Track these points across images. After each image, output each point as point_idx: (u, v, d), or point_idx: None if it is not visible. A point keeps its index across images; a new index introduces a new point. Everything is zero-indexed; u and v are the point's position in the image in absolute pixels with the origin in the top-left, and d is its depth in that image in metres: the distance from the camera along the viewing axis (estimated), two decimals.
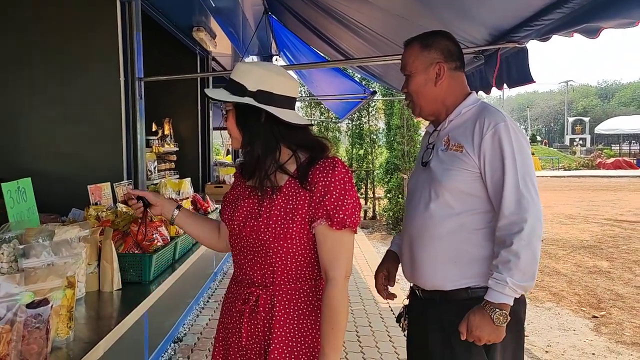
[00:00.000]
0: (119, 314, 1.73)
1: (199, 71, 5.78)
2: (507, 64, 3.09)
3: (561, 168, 29.18)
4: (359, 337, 4.24)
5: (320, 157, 1.51)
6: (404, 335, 2.04)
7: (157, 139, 5.30)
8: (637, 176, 24.01)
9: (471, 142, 1.76)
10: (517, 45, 2.92)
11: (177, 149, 5.67)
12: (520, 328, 1.81)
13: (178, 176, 5.52)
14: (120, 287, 1.95)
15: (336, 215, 1.44)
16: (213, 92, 1.58)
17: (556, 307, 5.30)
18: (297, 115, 1.57)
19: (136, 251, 2.09)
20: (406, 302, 2.05)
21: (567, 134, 44.72)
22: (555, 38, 2.57)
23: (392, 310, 4.89)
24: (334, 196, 1.45)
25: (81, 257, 1.67)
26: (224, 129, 9.91)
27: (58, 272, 1.25)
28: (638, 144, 35.27)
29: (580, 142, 40.92)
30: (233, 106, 1.54)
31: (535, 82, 3.04)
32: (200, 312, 4.88)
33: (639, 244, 8.32)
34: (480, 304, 1.72)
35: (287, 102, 1.54)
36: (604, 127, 35.22)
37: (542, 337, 4.44)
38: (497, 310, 1.63)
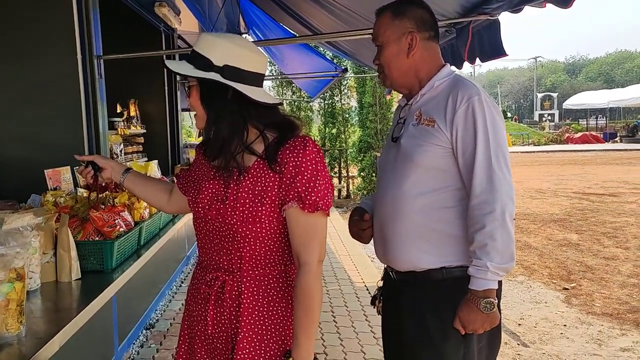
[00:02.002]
0: (78, 304, 1.64)
1: (164, 48, 5.59)
2: (480, 38, 3.03)
3: (531, 143, 29.64)
4: (334, 317, 4.21)
5: (289, 136, 1.42)
6: (380, 316, 1.99)
7: (123, 120, 5.12)
8: (603, 150, 24.55)
9: (443, 117, 1.68)
10: (489, 18, 2.86)
11: (144, 131, 5.49)
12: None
13: (146, 159, 5.36)
14: (80, 276, 1.84)
15: (308, 197, 1.36)
16: (175, 65, 1.47)
17: (528, 280, 5.36)
18: (265, 93, 1.48)
19: (97, 238, 1.98)
20: (380, 283, 2.00)
21: (536, 109, 45.35)
22: (526, 11, 2.52)
23: (367, 290, 4.88)
24: (306, 177, 1.37)
25: (32, 247, 1.56)
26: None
27: (2, 264, 1.15)
28: (604, 119, 35.98)
29: (549, 117, 41.56)
30: (197, 81, 1.43)
31: (507, 55, 2.99)
32: (173, 297, 4.79)
33: (606, 217, 8.49)
34: (457, 285, 1.68)
35: (256, 79, 1.45)
36: (571, 103, 35.78)
37: (514, 311, 4.49)
38: (483, 299, 1.58)
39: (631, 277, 5.35)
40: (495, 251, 1.58)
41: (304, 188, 1.36)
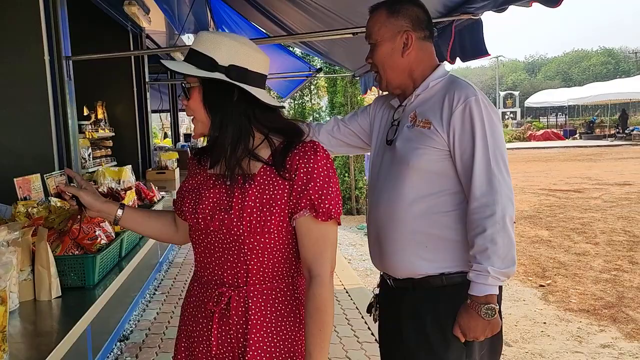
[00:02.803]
0: (61, 326, 1.51)
1: (131, 48, 5.41)
2: (461, 37, 3.00)
3: None
4: None
5: (297, 141, 1.34)
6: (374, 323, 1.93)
7: (90, 123, 4.92)
8: (565, 146, 25.22)
9: (440, 118, 1.63)
10: (472, 17, 2.83)
11: (113, 134, 5.31)
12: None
13: (115, 163, 5.19)
14: (60, 294, 1.71)
15: (321, 205, 1.29)
16: (175, 65, 1.36)
17: None
18: (268, 95, 1.39)
19: (76, 252, 1.85)
20: (376, 291, 1.94)
21: (499, 107, 46.29)
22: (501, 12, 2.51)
23: (347, 293, 4.83)
24: (318, 184, 1.29)
25: (12, 265, 1.43)
26: (163, 111, 9.50)
27: None
28: (564, 116, 36.95)
29: (512, 115, 42.46)
30: (199, 82, 1.33)
31: (490, 55, 2.97)
32: (147, 305, 4.63)
33: (574, 212, 8.67)
34: (457, 291, 1.63)
35: (261, 81, 1.36)
36: (533, 101, 36.69)
37: None
38: (484, 305, 1.54)
39: (603, 272, 5.45)
40: (496, 255, 1.53)
41: (316, 196, 1.29)
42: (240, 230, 1.30)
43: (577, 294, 4.84)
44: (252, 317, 1.34)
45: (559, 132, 30.70)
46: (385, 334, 1.87)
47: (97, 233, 1.94)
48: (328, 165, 1.32)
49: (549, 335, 3.94)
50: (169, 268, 5.88)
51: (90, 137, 4.78)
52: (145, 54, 5.12)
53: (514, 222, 1.62)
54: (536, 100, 36.03)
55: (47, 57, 3.03)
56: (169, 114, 8.42)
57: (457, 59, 3.11)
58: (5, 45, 2.96)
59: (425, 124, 1.66)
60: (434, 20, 3.11)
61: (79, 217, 1.57)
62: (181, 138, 8.42)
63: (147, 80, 5.58)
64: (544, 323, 4.18)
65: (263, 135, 1.36)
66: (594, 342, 3.79)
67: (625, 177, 12.82)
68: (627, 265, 5.65)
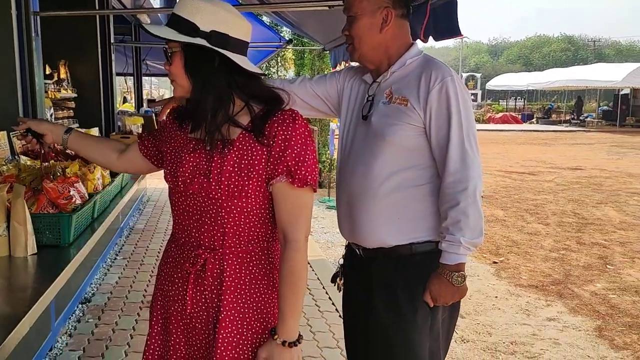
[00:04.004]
0: (38, 283, 1.53)
1: (97, 7, 5.23)
2: (435, 16, 3.05)
3: None
4: None
5: (276, 109, 1.38)
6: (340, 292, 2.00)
7: (52, 83, 4.79)
8: (522, 130, 25.92)
9: (417, 96, 1.68)
10: None
11: (76, 95, 5.17)
12: None
13: (78, 125, 5.07)
14: (36, 251, 1.72)
15: (298, 171, 1.34)
16: (157, 29, 1.38)
17: None
18: (250, 62, 1.42)
19: (51, 210, 1.85)
20: (341, 261, 2.01)
21: None
22: None
23: (310, 265, 4.93)
24: (295, 151, 1.34)
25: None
26: (127, 74, 9.25)
27: None
28: (522, 100, 37.86)
29: (473, 97, 43.21)
30: (181, 48, 1.35)
31: (462, 35, 3.05)
32: (108, 270, 4.61)
33: (528, 194, 9.01)
34: (425, 259, 1.72)
35: (242, 47, 1.39)
36: (494, 83, 37.39)
37: None
38: (455, 272, 1.63)
39: (552, 251, 5.73)
40: (467, 227, 1.63)
41: (293, 162, 1.33)
42: (219, 194, 1.34)
43: (527, 270, 5.09)
44: (227, 279, 1.38)
45: (517, 115, 31.48)
46: (352, 303, 1.94)
47: (71, 193, 1.94)
48: (306, 133, 1.37)
49: (499, 309, 4.15)
50: (129, 234, 5.83)
51: (53, 97, 4.66)
52: (114, 13, 4.98)
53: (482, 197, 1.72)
54: (497, 83, 36.74)
55: (14, 12, 2.93)
56: (132, 77, 8.21)
57: (430, 38, 3.17)
58: None
59: (402, 100, 1.71)
60: None
61: (40, 151, 1.65)
62: (144, 103, 8.26)
63: (112, 41, 5.43)
64: (496, 297, 4.40)
65: (243, 102, 1.39)
66: (541, 315, 4.02)
67: (578, 162, 13.35)
68: (574, 245, 5.96)
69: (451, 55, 69.67)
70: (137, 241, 5.56)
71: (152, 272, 4.62)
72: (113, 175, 2.84)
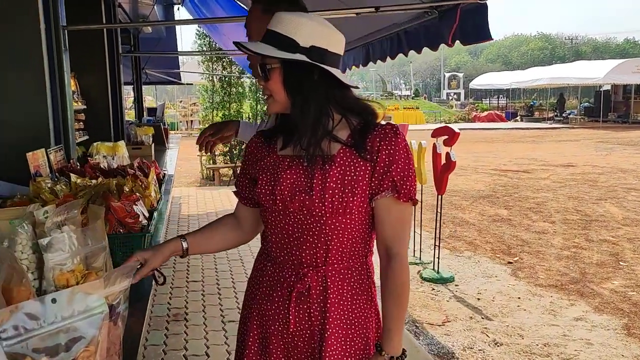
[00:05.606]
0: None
1: (104, 20, 5.16)
2: (464, 21, 3.07)
3: (442, 121, 30.97)
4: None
5: (373, 122, 1.38)
6: None
7: None
8: (507, 128, 26.20)
9: None
10: (479, 1, 2.90)
11: (85, 107, 5.09)
12: None
13: (87, 137, 4.99)
14: None
15: (403, 186, 1.34)
16: (254, 47, 1.36)
17: (474, 255, 5.65)
18: (343, 75, 1.41)
19: (121, 230, 1.82)
20: None
21: (444, 88, 47.41)
22: None
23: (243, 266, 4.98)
24: (400, 166, 1.33)
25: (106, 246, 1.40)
26: (128, 84, 9.13)
27: (123, 270, 1.01)
28: (505, 99, 38.26)
29: (455, 96, 43.62)
30: (280, 64, 1.34)
31: (493, 39, 3.06)
32: None
33: (527, 192, 9.11)
34: None
35: (337, 60, 1.38)
36: (477, 83, 37.73)
37: (471, 285, 4.72)
38: None
39: (563, 249, 5.80)
40: None
41: (398, 177, 1.33)
42: (322, 212, 1.33)
43: (543, 270, 5.13)
44: (331, 295, 1.38)
45: (501, 114, 31.82)
46: None
47: (136, 211, 1.90)
48: (407, 147, 1.37)
49: (525, 310, 4.18)
50: None
51: None
52: (138, 25, 4.92)
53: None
54: (480, 82, 37.10)
55: (42, 26, 2.87)
56: (131, 87, 8.12)
57: (458, 41, 3.18)
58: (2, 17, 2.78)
59: None
60: (441, 3, 3.19)
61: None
62: (144, 112, 8.16)
63: (120, 51, 5.36)
64: (519, 298, 4.43)
65: (340, 115, 1.38)
66: (567, 315, 4.06)
67: (568, 159, 13.53)
68: (584, 242, 6.03)
69: (432, 55, 70.13)
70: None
71: (172, 284, 4.56)
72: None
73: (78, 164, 3.03)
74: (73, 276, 1.21)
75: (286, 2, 1.75)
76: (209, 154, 3.78)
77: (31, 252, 1.34)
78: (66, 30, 3.02)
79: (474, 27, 3.02)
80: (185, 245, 1.49)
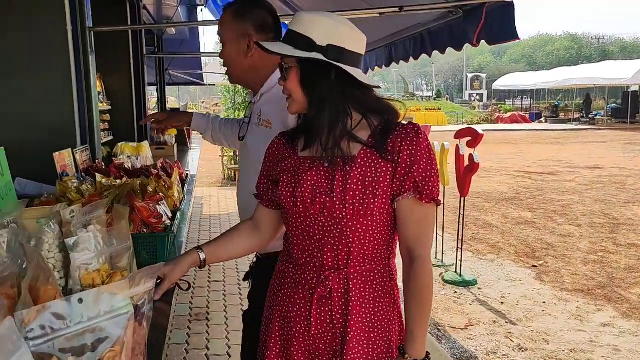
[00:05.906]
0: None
1: (129, 22, 5.22)
2: (489, 20, 3.03)
3: (465, 123, 30.67)
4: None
5: (394, 122, 1.37)
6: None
7: None
8: (531, 129, 25.84)
9: (279, 119, 1.73)
10: (505, 0, 2.86)
11: (110, 107, 5.16)
12: None
13: (112, 137, 5.06)
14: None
15: (426, 187, 1.32)
16: (271, 46, 1.36)
17: (497, 258, 5.57)
18: (364, 74, 1.39)
19: (145, 230, 1.83)
20: (255, 259, 2.00)
21: (466, 89, 46.91)
22: None
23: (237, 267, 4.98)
24: (422, 166, 1.32)
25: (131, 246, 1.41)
26: (151, 84, 9.23)
27: (149, 271, 1.01)
28: (529, 99, 37.74)
29: (478, 97, 43.13)
30: (296, 63, 1.34)
31: (520, 39, 3.01)
32: None
33: (552, 195, 8.95)
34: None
35: (357, 60, 1.37)
36: (500, 83, 37.26)
37: (494, 289, 4.65)
38: None
39: (590, 253, 5.68)
40: None
41: (421, 178, 1.32)
42: (343, 213, 1.32)
43: (569, 274, 5.03)
44: (353, 298, 1.36)
45: (525, 115, 31.39)
46: (254, 303, 1.94)
47: (160, 211, 1.91)
48: (429, 147, 1.35)
49: (550, 315, 4.10)
50: None
51: None
52: (163, 27, 4.98)
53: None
54: (504, 83, 36.64)
55: (69, 27, 2.91)
56: (155, 88, 8.21)
57: (483, 41, 3.13)
58: (30, 17, 2.83)
59: (267, 124, 1.80)
60: (465, 3, 3.14)
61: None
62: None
63: (144, 52, 5.42)
64: (544, 303, 4.35)
65: (361, 115, 1.37)
66: (594, 320, 3.97)
67: (595, 161, 13.27)
68: (611, 247, 5.90)
69: (455, 55, 69.54)
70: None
71: (194, 283, 4.59)
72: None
73: (103, 164, 3.06)
74: (99, 276, 1.22)
75: (255, 6, 1.83)
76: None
77: (58, 252, 1.35)
78: (92, 32, 3.05)
79: (500, 26, 2.98)
80: (202, 256, 1.50)
